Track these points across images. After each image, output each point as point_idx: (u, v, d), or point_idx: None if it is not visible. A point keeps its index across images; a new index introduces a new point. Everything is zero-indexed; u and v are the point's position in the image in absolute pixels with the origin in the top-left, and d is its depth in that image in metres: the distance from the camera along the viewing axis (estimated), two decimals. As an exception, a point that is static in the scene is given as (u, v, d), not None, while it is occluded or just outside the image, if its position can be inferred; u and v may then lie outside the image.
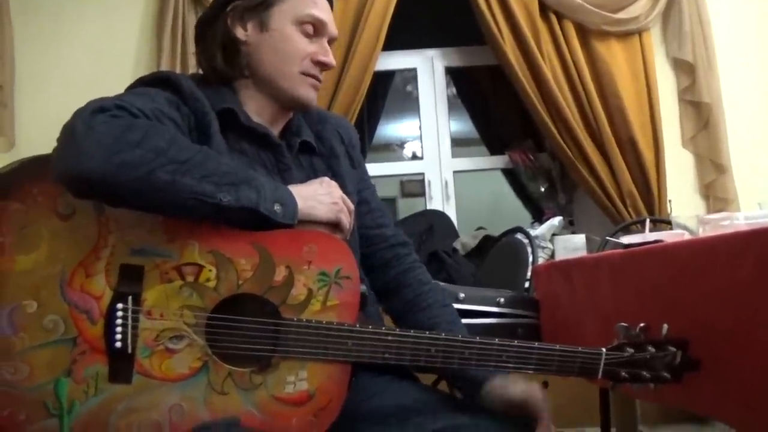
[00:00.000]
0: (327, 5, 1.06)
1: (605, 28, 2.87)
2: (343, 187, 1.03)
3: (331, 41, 1.07)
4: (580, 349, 0.93)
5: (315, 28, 1.03)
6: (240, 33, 1.02)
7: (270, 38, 1.02)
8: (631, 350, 0.92)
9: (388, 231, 1.13)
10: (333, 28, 1.06)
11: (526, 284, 1.94)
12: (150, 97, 0.92)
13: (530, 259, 1.98)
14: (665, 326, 0.93)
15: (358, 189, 1.12)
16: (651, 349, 0.92)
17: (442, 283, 2.47)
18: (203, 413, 0.84)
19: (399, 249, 1.13)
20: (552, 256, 2.67)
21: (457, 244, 2.82)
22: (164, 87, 0.96)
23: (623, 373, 0.93)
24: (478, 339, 0.91)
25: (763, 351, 0.84)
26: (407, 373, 1.09)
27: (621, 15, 2.87)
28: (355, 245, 1.06)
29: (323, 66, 1.04)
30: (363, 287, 0.92)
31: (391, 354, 0.88)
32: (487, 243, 2.66)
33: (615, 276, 1.24)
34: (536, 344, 0.94)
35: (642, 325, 0.93)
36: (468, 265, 2.68)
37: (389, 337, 0.88)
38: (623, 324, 0.94)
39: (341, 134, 1.14)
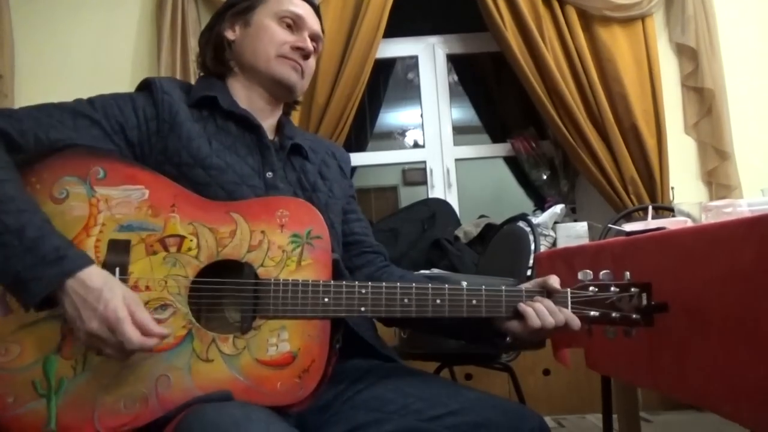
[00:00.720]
0: (307, 6, 1.15)
1: (608, 13, 2.85)
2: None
3: (313, 38, 1.15)
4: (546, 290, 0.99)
5: (294, 23, 1.13)
6: (229, 34, 1.14)
7: (252, 31, 1.12)
8: (594, 289, 0.98)
9: (372, 240, 1.20)
10: (313, 24, 1.15)
11: (529, 272, 1.94)
12: (88, 100, 0.98)
13: (532, 246, 1.98)
14: (627, 273, 0.98)
15: (348, 201, 1.19)
16: (615, 289, 0.97)
17: (444, 272, 2.48)
18: (189, 383, 0.86)
19: (380, 256, 1.19)
20: (554, 243, 2.67)
21: (459, 233, 2.82)
22: (140, 89, 1.06)
23: (592, 312, 0.97)
24: (447, 287, 0.96)
25: (765, 339, 0.84)
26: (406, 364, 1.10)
27: (623, 0, 2.85)
28: (336, 238, 1.10)
29: (301, 51, 1.12)
30: (335, 255, 0.96)
31: (367, 307, 0.93)
32: (489, 231, 2.66)
33: (617, 263, 1.24)
34: (503, 288, 0.98)
35: (605, 271, 0.98)
36: (470, 254, 2.68)
37: (363, 290, 0.93)
38: (587, 270, 0.99)
39: (334, 153, 1.22)
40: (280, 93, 1.14)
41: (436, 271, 2.60)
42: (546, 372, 2.61)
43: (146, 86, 1.04)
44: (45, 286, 0.79)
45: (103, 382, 0.84)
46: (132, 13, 2.90)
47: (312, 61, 1.15)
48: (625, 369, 1.28)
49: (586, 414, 2.57)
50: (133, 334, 0.80)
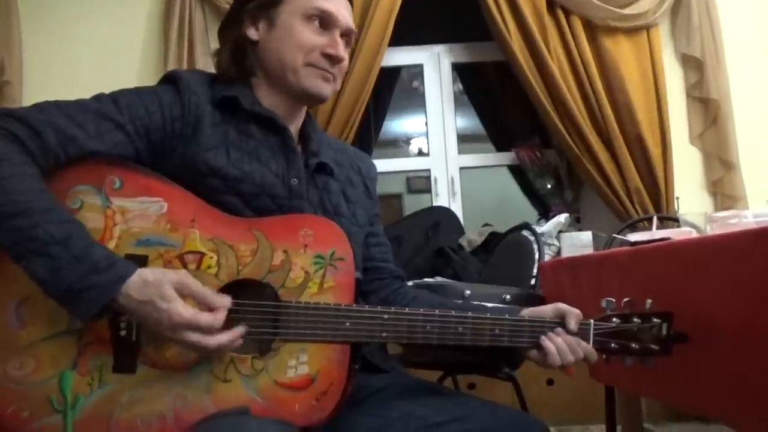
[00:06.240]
0: None
1: (613, 23, 2.85)
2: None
3: (345, 35, 1.05)
4: None
5: (324, 21, 1.02)
6: (252, 33, 1.04)
7: (277, 33, 1.02)
8: (617, 320, 0.97)
9: (391, 266, 1.17)
10: (345, 20, 1.04)
11: (533, 281, 1.93)
12: (112, 99, 0.93)
13: (536, 256, 1.98)
14: (648, 301, 0.97)
15: (371, 222, 1.14)
16: (637, 320, 0.96)
17: (447, 280, 2.48)
18: (207, 403, 0.85)
19: (398, 280, 1.16)
20: (558, 253, 2.66)
21: (463, 241, 2.82)
22: (167, 82, 1.00)
23: (613, 344, 0.97)
24: (470, 314, 0.94)
25: (770, 350, 0.84)
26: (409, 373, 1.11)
27: (629, 10, 2.86)
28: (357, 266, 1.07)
29: (331, 59, 1.02)
30: (358, 273, 0.94)
31: (389, 333, 0.91)
32: (493, 240, 2.66)
33: (622, 274, 1.23)
34: (527, 317, 0.97)
35: (627, 299, 0.98)
36: (474, 262, 2.68)
37: (385, 316, 0.91)
38: (609, 298, 0.98)
39: (360, 167, 1.16)
40: (308, 102, 1.07)
41: (439, 279, 2.60)
42: (550, 382, 2.60)
43: (173, 81, 0.98)
44: (99, 295, 0.77)
45: (119, 400, 0.82)
46: (139, 21, 2.92)
47: (344, 61, 1.05)
48: (629, 379, 1.28)
49: (589, 424, 2.56)
50: (206, 319, 0.80)
